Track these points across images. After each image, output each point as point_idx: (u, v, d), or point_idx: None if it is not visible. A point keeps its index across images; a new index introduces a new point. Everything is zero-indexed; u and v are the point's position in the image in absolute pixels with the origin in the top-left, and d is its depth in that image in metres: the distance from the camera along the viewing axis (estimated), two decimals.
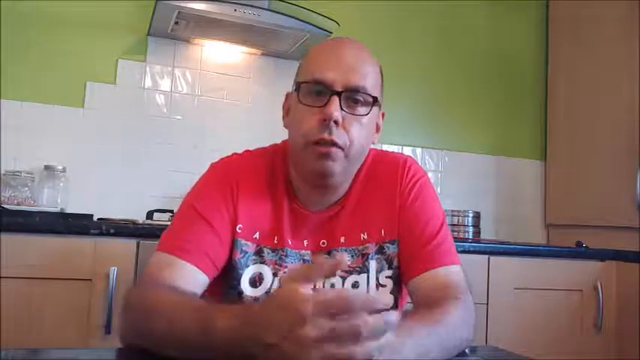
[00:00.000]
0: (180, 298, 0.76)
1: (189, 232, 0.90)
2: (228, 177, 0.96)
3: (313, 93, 0.90)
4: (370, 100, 0.91)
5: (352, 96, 0.90)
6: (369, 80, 0.91)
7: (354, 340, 0.51)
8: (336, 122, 0.87)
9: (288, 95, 1.01)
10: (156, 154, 2.13)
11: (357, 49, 0.94)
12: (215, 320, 0.62)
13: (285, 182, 0.98)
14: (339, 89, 0.88)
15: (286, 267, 0.94)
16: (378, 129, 0.99)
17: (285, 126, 0.99)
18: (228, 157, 1.02)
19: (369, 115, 0.92)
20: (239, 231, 0.93)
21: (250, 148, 1.05)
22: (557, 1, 2.74)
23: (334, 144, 0.88)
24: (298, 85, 0.93)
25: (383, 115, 1.01)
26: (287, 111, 0.99)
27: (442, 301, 0.81)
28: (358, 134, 0.90)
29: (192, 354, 0.65)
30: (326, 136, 0.87)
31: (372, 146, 1.03)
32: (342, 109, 0.88)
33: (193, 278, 0.86)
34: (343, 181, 0.96)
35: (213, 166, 1.01)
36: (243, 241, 0.93)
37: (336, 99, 0.88)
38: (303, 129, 0.90)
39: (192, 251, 0.87)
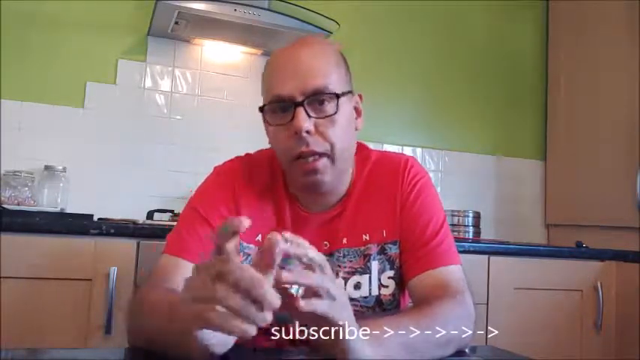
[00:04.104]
0: (169, 296, 0.77)
1: (192, 234, 0.91)
2: (231, 180, 0.97)
3: (278, 111, 0.89)
4: (334, 96, 0.89)
5: (316, 99, 0.88)
6: (328, 77, 0.89)
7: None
8: (308, 132, 0.86)
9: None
10: (156, 154, 2.13)
11: (308, 48, 0.91)
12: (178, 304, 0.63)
13: (285, 185, 0.99)
14: (300, 99, 0.87)
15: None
16: (358, 113, 0.98)
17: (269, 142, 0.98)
18: (230, 160, 1.03)
19: (339, 111, 0.90)
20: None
21: (251, 148, 1.05)
22: (557, 1, 2.74)
23: (315, 153, 0.87)
24: (262, 109, 0.92)
25: (361, 97, 0.99)
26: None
27: (436, 300, 0.82)
28: (337, 134, 0.89)
29: (172, 349, 0.66)
30: (304, 148, 0.87)
31: (375, 147, 1.03)
32: (309, 116, 0.87)
33: None
34: (337, 183, 0.96)
35: (216, 169, 1.02)
36: (245, 244, 0.94)
37: (300, 110, 0.86)
38: (280, 148, 0.91)
39: (195, 251, 0.88)
